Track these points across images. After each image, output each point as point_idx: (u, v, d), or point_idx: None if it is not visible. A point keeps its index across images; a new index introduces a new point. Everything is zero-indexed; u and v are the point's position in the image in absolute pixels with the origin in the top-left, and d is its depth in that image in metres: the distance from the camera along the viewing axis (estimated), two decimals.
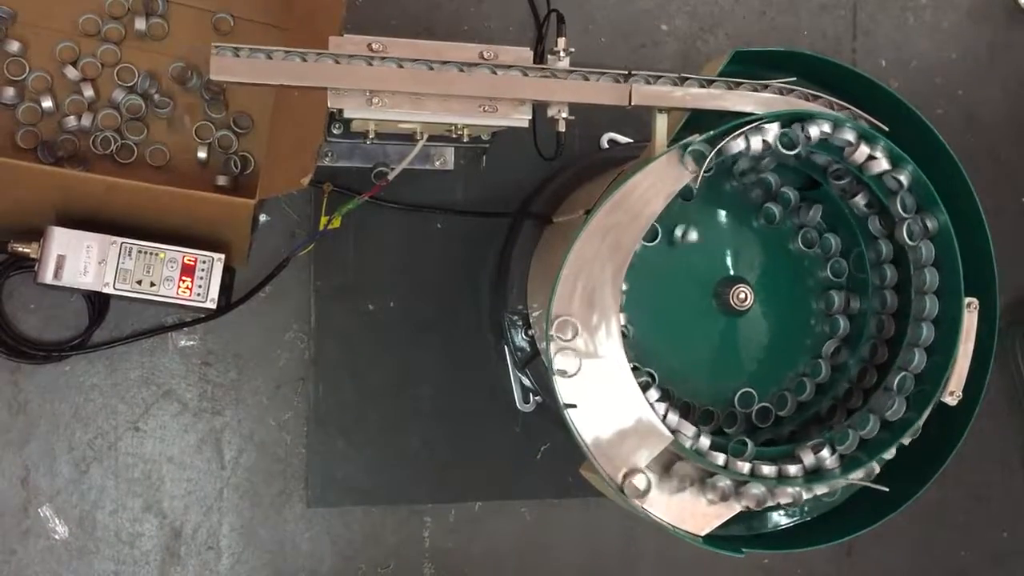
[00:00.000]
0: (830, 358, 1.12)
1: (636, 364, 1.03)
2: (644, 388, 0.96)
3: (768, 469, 0.98)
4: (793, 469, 0.99)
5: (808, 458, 0.99)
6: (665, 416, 0.97)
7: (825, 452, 1.00)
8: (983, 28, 1.66)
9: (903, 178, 1.01)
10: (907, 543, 1.57)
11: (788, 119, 0.99)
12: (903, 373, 1.02)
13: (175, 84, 1.34)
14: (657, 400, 0.97)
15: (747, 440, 1.01)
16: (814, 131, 0.99)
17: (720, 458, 0.98)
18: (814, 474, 1.00)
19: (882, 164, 1.01)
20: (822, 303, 1.14)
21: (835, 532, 1.05)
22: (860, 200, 1.07)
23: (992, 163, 1.64)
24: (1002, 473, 1.62)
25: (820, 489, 1.01)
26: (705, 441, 0.99)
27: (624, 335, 0.98)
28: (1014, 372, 1.59)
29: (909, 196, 1.02)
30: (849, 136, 1.00)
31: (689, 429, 0.98)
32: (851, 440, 1.00)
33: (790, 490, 0.98)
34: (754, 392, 1.11)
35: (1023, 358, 1.59)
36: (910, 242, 1.02)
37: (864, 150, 1.00)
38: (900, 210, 1.02)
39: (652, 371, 1.05)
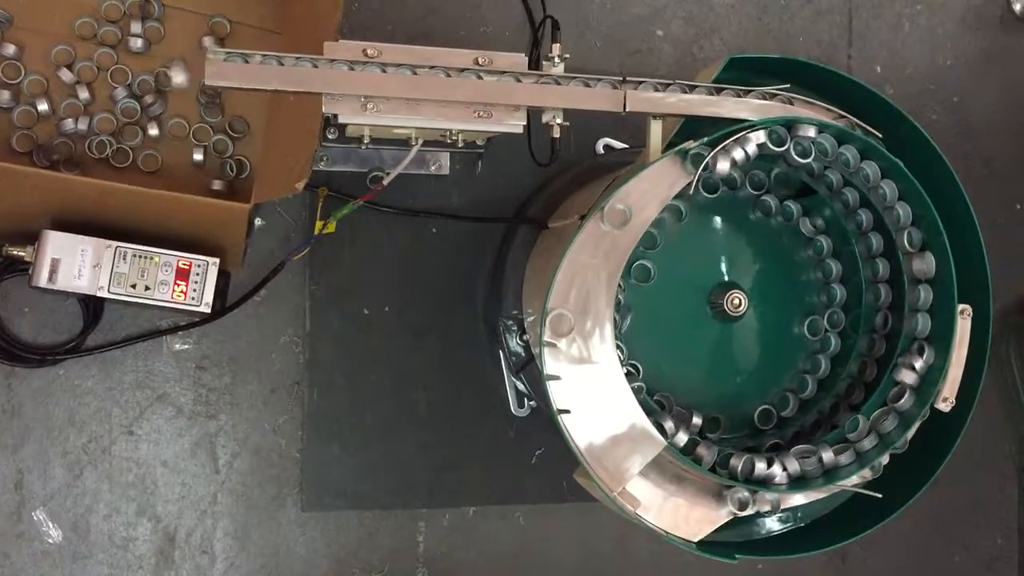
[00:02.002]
0: (819, 369, 1.12)
1: (630, 370, 1.03)
2: (638, 394, 0.96)
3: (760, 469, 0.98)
4: (778, 476, 0.99)
5: (792, 465, 0.99)
6: (661, 422, 0.97)
7: (816, 457, 1.00)
8: (978, 35, 1.66)
9: (896, 184, 1.01)
10: (901, 549, 1.57)
11: (782, 125, 0.99)
12: (896, 380, 1.02)
13: (170, 88, 1.34)
14: (652, 406, 0.97)
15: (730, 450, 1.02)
16: (807, 137, 0.99)
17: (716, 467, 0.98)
18: (798, 482, 1.00)
19: (875, 170, 1.01)
20: (816, 307, 1.14)
21: (829, 538, 1.04)
22: (854, 206, 1.07)
23: (986, 169, 1.65)
24: (996, 479, 1.62)
25: (813, 495, 1.01)
26: (683, 436, 0.99)
27: (618, 340, 0.98)
28: (1008, 378, 1.59)
29: (901, 202, 1.02)
30: (842, 142, 1.00)
31: (683, 435, 0.98)
32: (846, 443, 1.00)
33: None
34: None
35: (1017, 364, 1.59)
36: (903, 248, 1.03)
37: (857, 156, 1.00)
38: (892, 216, 1.02)
39: (638, 365, 1.05)
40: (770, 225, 1.13)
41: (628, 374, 1.02)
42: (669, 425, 0.99)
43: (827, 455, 0.99)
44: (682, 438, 0.99)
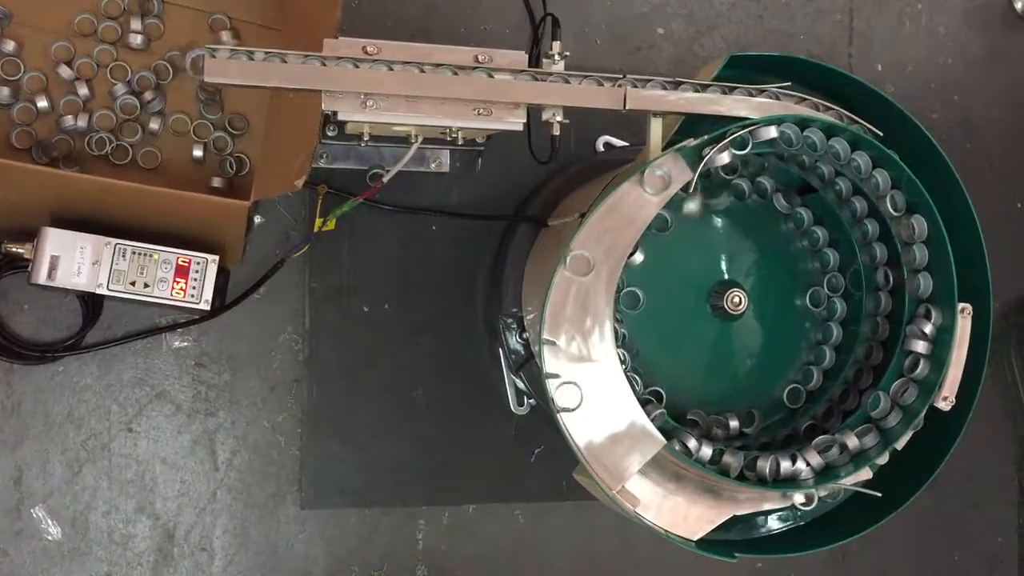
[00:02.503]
0: (822, 363, 1.12)
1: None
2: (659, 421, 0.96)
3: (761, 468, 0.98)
4: (804, 472, 0.99)
5: (815, 459, 0.99)
6: (662, 425, 0.97)
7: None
8: (979, 33, 1.66)
9: (896, 182, 1.01)
10: (901, 547, 1.57)
11: (782, 123, 0.99)
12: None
13: (170, 85, 1.34)
14: (650, 405, 0.97)
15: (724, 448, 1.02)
16: (808, 135, 0.99)
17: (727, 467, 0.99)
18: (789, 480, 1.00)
19: (875, 168, 1.01)
20: (816, 306, 1.14)
21: (828, 537, 1.04)
22: (855, 205, 1.07)
23: (987, 167, 1.64)
24: (997, 478, 1.62)
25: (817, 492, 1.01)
26: (707, 450, 0.99)
27: (617, 339, 0.98)
28: (1009, 377, 1.59)
29: (901, 199, 1.02)
30: (842, 140, 1.00)
31: (707, 449, 0.98)
32: (847, 442, 1.00)
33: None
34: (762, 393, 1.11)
35: (1018, 363, 1.59)
36: (903, 246, 1.02)
37: (857, 154, 1.00)
38: (892, 212, 1.02)
39: (661, 392, 1.05)
40: (768, 219, 1.13)
41: (648, 402, 1.02)
42: (693, 444, 0.99)
43: (851, 441, 0.99)
44: (707, 452, 0.99)
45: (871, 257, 1.08)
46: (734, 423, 1.10)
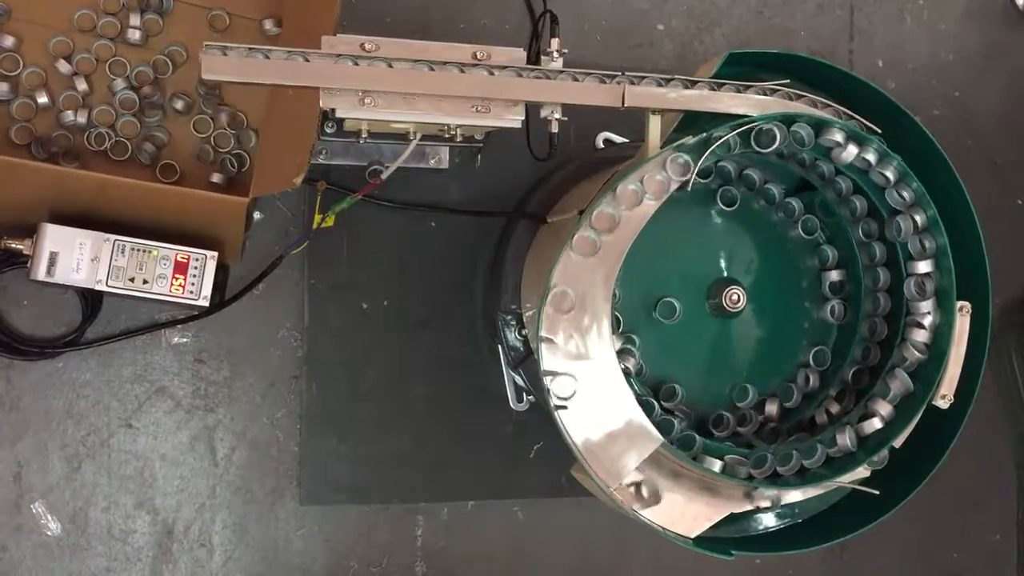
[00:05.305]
0: (818, 362, 1.12)
1: (672, 419, 1.03)
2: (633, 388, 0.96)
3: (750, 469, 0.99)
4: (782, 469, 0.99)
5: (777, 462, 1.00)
6: (658, 419, 0.97)
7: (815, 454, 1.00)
8: (980, 29, 1.66)
9: (893, 179, 1.01)
10: (900, 545, 1.57)
11: (780, 121, 0.99)
12: (894, 376, 1.01)
13: (169, 80, 1.34)
14: (649, 404, 0.97)
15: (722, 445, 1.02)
16: (806, 132, 0.98)
17: (717, 464, 0.99)
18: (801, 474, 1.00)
19: (873, 165, 1.00)
20: (815, 304, 1.14)
21: (826, 534, 1.05)
22: (854, 203, 1.07)
23: (987, 164, 1.64)
24: (995, 475, 1.62)
25: (811, 491, 1.01)
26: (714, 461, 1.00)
27: (615, 336, 0.98)
28: (1008, 375, 1.59)
29: (899, 198, 1.01)
30: (839, 137, 0.99)
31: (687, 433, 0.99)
32: (846, 442, 1.00)
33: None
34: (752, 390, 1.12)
35: (1018, 360, 1.59)
36: (901, 244, 1.02)
37: (855, 151, 1.00)
38: (891, 209, 1.02)
39: (684, 411, 1.06)
40: (765, 216, 1.13)
41: (665, 421, 1.02)
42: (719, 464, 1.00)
43: (846, 440, 1.00)
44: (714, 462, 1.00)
45: (870, 256, 1.08)
46: (732, 420, 1.10)
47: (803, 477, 1.00)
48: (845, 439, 1.00)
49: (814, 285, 1.14)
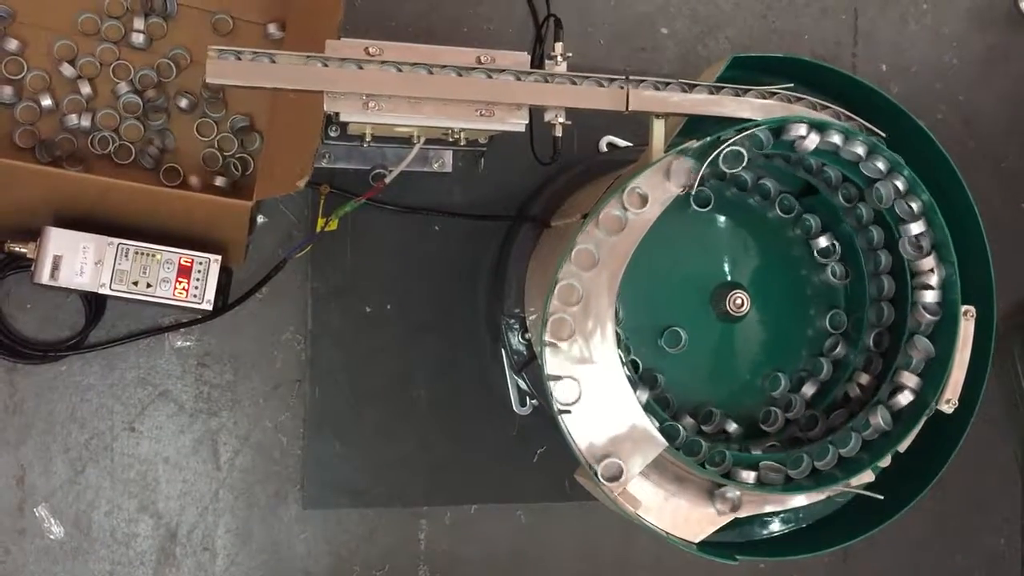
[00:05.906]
0: (829, 357, 1.12)
1: (631, 370, 1.03)
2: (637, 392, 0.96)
3: (747, 475, 0.99)
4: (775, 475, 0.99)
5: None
6: (663, 422, 0.97)
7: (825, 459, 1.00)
8: (983, 33, 1.65)
9: (898, 183, 1.01)
10: (904, 549, 1.57)
11: (784, 125, 0.99)
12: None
13: (173, 84, 1.34)
14: (651, 405, 0.97)
15: (725, 451, 1.01)
16: (809, 136, 0.98)
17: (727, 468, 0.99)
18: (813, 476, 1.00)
19: (878, 169, 1.00)
20: (818, 310, 1.13)
21: (830, 539, 1.04)
22: (860, 210, 1.07)
23: (992, 168, 1.64)
24: (999, 479, 1.61)
25: (816, 496, 1.01)
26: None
27: (619, 340, 0.98)
28: (1013, 379, 1.59)
29: (903, 202, 1.01)
30: (840, 140, 0.99)
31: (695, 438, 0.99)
32: (853, 444, 1.00)
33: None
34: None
35: (1022, 364, 1.58)
36: (906, 249, 1.02)
37: (859, 155, 1.00)
38: (895, 213, 1.02)
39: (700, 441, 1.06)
40: (769, 221, 1.13)
41: (670, 427, 1.02)
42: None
43: (848, 446, 1.00)
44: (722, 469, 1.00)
45: (876, 264, 1.08)
46: (735, 425, 1.10)
47: (816, 480, 0.99)
48: (878, 418, 1.00)
49: (817, 283, 1.14)
